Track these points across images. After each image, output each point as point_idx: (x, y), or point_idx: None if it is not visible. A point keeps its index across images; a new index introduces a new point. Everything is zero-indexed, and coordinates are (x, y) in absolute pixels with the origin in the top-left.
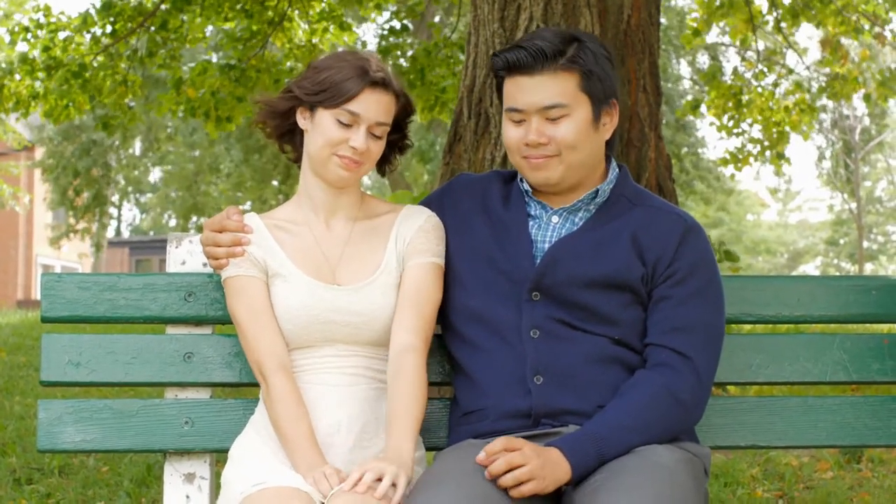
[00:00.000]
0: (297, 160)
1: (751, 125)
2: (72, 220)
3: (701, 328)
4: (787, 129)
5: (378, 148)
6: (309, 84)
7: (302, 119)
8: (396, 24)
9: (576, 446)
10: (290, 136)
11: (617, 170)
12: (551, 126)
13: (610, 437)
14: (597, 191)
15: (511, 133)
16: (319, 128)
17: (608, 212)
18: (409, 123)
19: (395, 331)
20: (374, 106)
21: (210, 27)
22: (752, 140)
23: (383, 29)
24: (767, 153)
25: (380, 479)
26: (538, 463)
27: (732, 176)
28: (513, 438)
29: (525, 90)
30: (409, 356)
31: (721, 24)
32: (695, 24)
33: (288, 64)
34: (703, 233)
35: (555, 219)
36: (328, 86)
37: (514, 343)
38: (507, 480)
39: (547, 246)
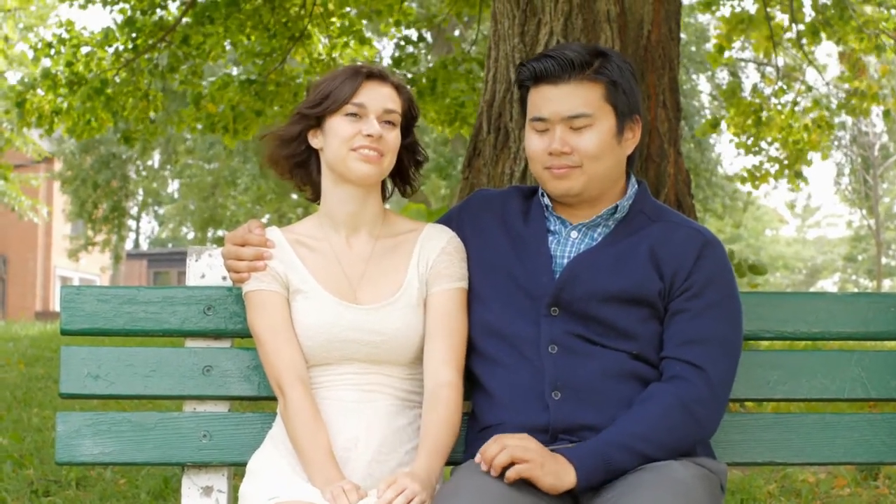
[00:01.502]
0: (309, 191)
1: (770, 143)
2: (90, 233)
3: (716, 341)
4: (807, 148)
5: (394, 137)
6: (310, 100)
7: (314, 139)
8: (412, 34)
9: (583, 454)
10: (305, 169)
11: (636, 185)
12: (575, 136)
13: (619, 447)
14: (616, 206)
15: (534, 143)
16: (332, 132)
17: (627, 227)
18: (415, 125)
19: (430, 363)
20: (377, 95)
21: (229, 42)
22: (771, 159)
23: (400, 40)
24: (786, 172)
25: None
26: (539, 455)
27: (749, 193)
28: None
29: (550, 99)
30: (446, 391)
31: (741, 39)
32: (717, 41)
33: (308, 79)
34: (722, 248)
35: (574, 234)
36: (328, 92)
37: (533, 358)
38: (508, 472)
39: (566, 261)
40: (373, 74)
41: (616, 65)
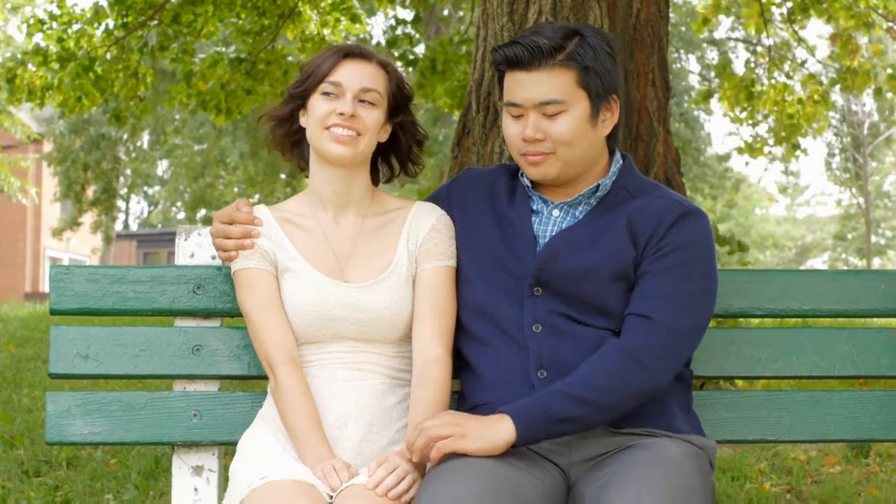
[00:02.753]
0: (304, 168)
1: (765, 117)
2: (77, 213)
3: (674, 296)
4: (802, 122)
5: (374, 117)
6: (297, 80)
7: (303, 119)
8: (405, 15)
9: (522, 405)
10: (301, 148)
11: (620, 162)
12: (548, 122)
13: (556, 394)
14: (597, 186)
15: (510, 128)
16: (311, 111)
17: (608, 204)
18: (409, 104)
19: (418, 340)
20: (355, 73)
21: (221, 21)
22: (769, 130)
23: (393, 20)
24: (783, 144)
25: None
26: (458, 427)
27: (747, 163)
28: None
29: (523, 85)
30: (435, 368)
31: (730, 18)
32: (702, 15)
33: (299, 57)
34: (704, 220)
35: (556, 213)
36: (310, 72)
37: (518, 338)
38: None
39: (548, 240)
40: (352, 53)
41: (590, 46)
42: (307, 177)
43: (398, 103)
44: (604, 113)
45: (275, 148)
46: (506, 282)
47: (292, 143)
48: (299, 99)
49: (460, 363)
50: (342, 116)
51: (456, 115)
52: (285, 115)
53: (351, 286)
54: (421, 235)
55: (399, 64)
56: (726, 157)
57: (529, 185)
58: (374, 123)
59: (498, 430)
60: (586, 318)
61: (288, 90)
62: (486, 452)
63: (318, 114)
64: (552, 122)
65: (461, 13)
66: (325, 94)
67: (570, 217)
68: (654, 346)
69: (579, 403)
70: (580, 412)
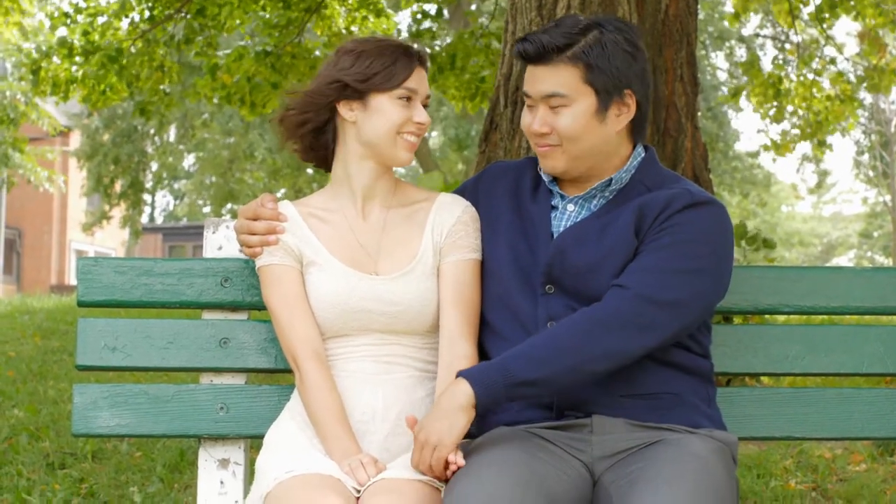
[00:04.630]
0: (312, 158)
1: (792, 114)
2: (106, 207)
3: (654, 270)
4: (829, 119)
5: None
6: (356, 71)
7: (349, 111)
8: (430, 8)
9: (481, 368)
10: (319, 134)
11: (642, 155)
12: (553, 115)
13: (516, 357)
14: (610, 179)
15: (525, 118)
16: (380, 112)
17: (623, 197)
18: None
19: (445, 335)
20: (423, 81)
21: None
22: (794, 127)
23: (417, 13)
24: (810, 141)
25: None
26: (416, 439)
27: (774, 160)
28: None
29: (534, 78)
30: (464, 364)
31: (759, 14)
32: (734, 9)
33: (326, 52)
34: (719, 211)
35: (570, 207)
36: (380, 69)
37: (534, 334)
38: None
39: None
40: (421, 59)
41: (602, 42)
42: (302, 158)
43: None
44: (616, 108)
45: (281, 124)
46: (524, 278)
47: (312, 128)
48: (352, 91)
49: (481, 356)
50: (419, 126)
51: (457, 109)
52: (323, 101)
53: (377, 278)
54: (446, 227)
55: None
56: (755, 154)
57: (550, 179)
58: (427, 126)
59: (452, 395)
60: None
61: (341, 78)
62: (457, 430)
63: (393, 119)
64: (557, 116)
65: (489, 6)
66: (402, 98)
67: (584, 211)
68: (622, 311)
69: (538, 363)
70: (539, 373)
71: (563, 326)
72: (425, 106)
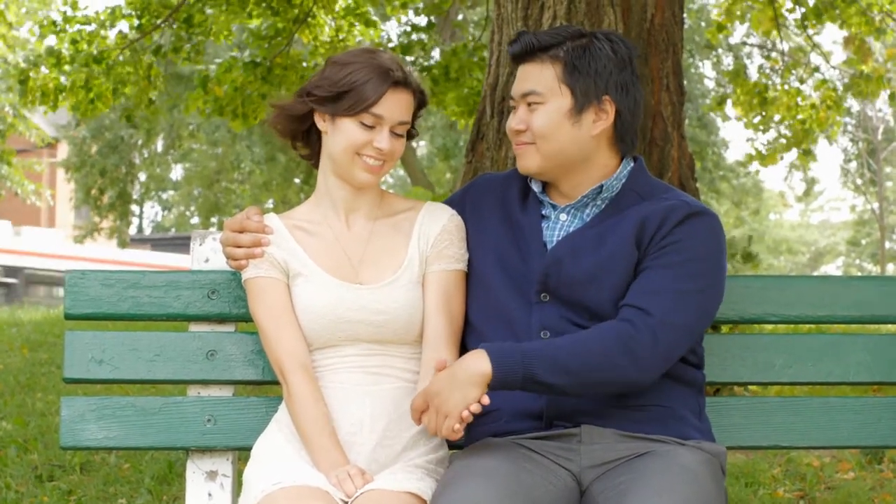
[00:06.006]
0: (310, 158)
1: (778, 122)
2: (96, 219)
3: (669, 292)
4: (814, 127)
5: (400, 146)
6: (327, 87)
7: (321, 121)
8: (419, 21)
9: (505, 349)
10: (306, 136)
11: (631, 164)
12: (529, 113)
13: (540, 356)
14: (601, 187)
15: (508, 122)
16: (341, 132)
17: (615, 207)
18: (420, 115)
19: (429, 342)
20: (396, 106)
21: (235, 25)
22: (780, 136)
23: (407, 26)
24: (794, 150)
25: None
26: (431, 399)
27: (757, 171)
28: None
29: (517, 78)
30: None
31: (746, 24)
32: (719, 19)
33: (314, 62)
34: (713, 221)
35: (563, 216)
36: (348, 89)
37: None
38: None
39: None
40: (398, 82)
41: (590, 50)
42: (316, 167)
43: (414, 121)
44: (593, 113)
45: (281, 136)
46: (515, 287)
47: (302, 133)
48: (325, 106)
49: None
50: (379, 151)
51: (461, 125)
52: (300, 115)
53: (364, 288)
54: (432, 236)
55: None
56: (745, 164)
57: (540, 189)
58: (400, 151)
59: (469, 368)
60: (593, 323)
61: (312, 91)
62: (467, 402)
63: (351, 139)
64: (532, 114)
65: (476, 17)
66: (364, 123)
67: (577, 220)
68: (646, 342)
69: (562, 371)
70: (560, 381)
71: (594, 341)
72: (399, 133)
